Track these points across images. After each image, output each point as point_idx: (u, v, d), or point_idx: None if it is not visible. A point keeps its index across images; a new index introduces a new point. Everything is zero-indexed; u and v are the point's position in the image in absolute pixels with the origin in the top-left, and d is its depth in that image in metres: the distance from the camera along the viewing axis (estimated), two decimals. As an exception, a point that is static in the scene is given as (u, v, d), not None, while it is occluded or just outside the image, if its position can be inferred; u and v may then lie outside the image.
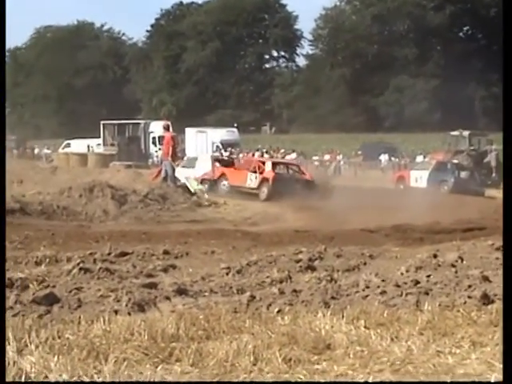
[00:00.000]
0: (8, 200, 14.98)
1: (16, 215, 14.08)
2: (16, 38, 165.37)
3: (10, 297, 6.44)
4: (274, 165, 27.06)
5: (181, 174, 28.09)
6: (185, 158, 35.20)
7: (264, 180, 24.68)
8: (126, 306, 6.37)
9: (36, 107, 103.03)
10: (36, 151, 72.87)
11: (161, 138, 41.78)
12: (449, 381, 4.53)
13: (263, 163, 27.01)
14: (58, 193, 16.32)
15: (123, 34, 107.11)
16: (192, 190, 18.65)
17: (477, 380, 4.52)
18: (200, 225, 14.39)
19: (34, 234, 11.94)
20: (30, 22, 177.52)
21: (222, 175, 25.54)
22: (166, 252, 9.68)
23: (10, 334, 5.25)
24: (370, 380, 4.49)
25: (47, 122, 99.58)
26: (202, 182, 24.42)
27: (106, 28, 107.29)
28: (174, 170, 19.79)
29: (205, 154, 49.74)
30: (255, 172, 25.45)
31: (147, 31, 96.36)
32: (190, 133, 52.68)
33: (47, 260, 8.59)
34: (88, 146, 58.77)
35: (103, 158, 47.56)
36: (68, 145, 63.12)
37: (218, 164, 27.47)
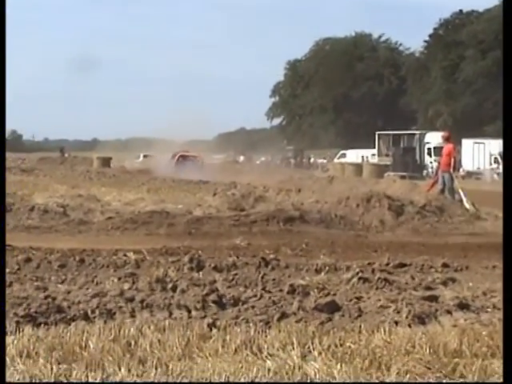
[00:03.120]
0: (288, 208, 15.51)
1: (296, 223, 14.49)
2: (296, 50, 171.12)
3: (294, 303, 6.63)
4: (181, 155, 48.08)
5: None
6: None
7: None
8: (407, 317, 6.32)
9: (313, 118, 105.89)
10: (312, 161, 74.74)
11: (436, 149, 41.39)
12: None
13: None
14: (335, 202, 16.55)
15: (400, 45, 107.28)
16: (467, 207, 18.08)
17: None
18: (480, 238, 13.95)
19: (314, 241, 12.22)
20: (310, 34, 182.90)
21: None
22: (445, 265, 9.49)
23: (294, 340, 5.40)
24: None
25: (324, 133, 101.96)
26: None
27: (383, 39, 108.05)
28: (453, 182, 19.33)
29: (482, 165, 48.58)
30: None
31: (425, 41, 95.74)
32: (467, 144, 51.56)
33: (327, 268, 8.74)
34: (362, 157, 59.49)
35: (378, 168, 47.86)
36: (343, 155, 64.35)
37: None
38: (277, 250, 10.91)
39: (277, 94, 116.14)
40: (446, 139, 21.15)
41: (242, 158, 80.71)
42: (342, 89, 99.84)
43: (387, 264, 9.15)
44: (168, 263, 8.69)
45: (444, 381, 4.68)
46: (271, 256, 9.42)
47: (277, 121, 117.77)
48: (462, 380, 4.71)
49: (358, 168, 48.60)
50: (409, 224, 15.29)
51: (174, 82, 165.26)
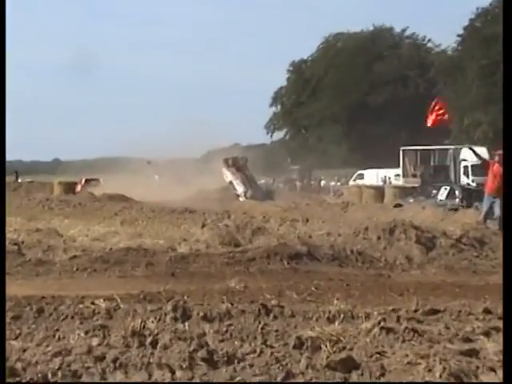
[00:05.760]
0: (294, 242, 15.50)
1: (303, 260, 14.46)
2: (301, 49, 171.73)
3: (301, 360, 6.62)
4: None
5: None
6: None
7: None
8: (440, 376, 6.31)
9: (322, 131, 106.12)
10: (323, 183, 74.89)
11: (475, 168, 41.45)
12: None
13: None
14: (351, 234, 16.58)
15: (429, 41, 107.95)
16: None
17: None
18: (528, 277, 13.99)
19: (325, 283, 12.23)
20: (318, 28, 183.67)
21: None
22: (486, 311, 9.49)
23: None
24: None
25: (335, 149, 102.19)
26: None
27: (407, 33, 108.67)
28: (500, 209, 19.15)
29: None
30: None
31: (459, 35, 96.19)
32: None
33: (342, 316, 8.73)
34: (384, 178, 59.62)
35: (403, 191, 47.90)
36: (360, 176, 64.46)
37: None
38: (280, 294, 10.91)
39: (278, 102, 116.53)
40: (490, 156, 21.14)
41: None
42: (357, 95, 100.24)
43: (415, 310, 9.15)
44: (147, 312, 8.68)
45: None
46: (273, 302, 9.40)
47: (278, 135, 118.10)
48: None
49: (378, 192, 48.74)
50: (441, 260, 15.31)
51: (154, 88, 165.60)
